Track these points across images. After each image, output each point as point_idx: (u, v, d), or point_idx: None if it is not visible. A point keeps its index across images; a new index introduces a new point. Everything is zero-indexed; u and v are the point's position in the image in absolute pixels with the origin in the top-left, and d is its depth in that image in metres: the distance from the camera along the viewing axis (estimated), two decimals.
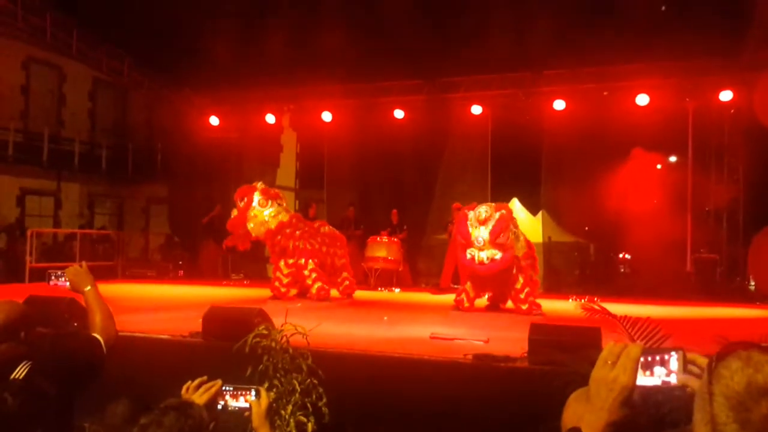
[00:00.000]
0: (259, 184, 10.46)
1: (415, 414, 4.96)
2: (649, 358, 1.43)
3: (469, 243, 8.57)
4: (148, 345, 6.26)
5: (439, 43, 12.93)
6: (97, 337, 2.87)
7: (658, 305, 9.98)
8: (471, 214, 8.70)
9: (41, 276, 12.37)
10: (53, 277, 3.31)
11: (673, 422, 1.39)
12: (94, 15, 13.95)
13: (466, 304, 9.29)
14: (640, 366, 1.40)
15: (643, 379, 1.41)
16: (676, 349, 1.43)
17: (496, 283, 9.09)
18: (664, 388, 1.40)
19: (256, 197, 10.18)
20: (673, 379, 1.40)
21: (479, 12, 12.20)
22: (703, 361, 1.36)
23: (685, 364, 1.41)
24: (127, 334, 6.31)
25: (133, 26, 13.72)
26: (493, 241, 8.44)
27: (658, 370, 1.42)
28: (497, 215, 8.59)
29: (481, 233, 8.45)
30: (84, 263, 3.14)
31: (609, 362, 1.41)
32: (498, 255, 8.45)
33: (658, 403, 1.61)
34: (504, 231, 8.53)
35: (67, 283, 3.07)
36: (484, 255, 8.44)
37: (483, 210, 8.67)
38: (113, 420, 3.16)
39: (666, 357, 1.42)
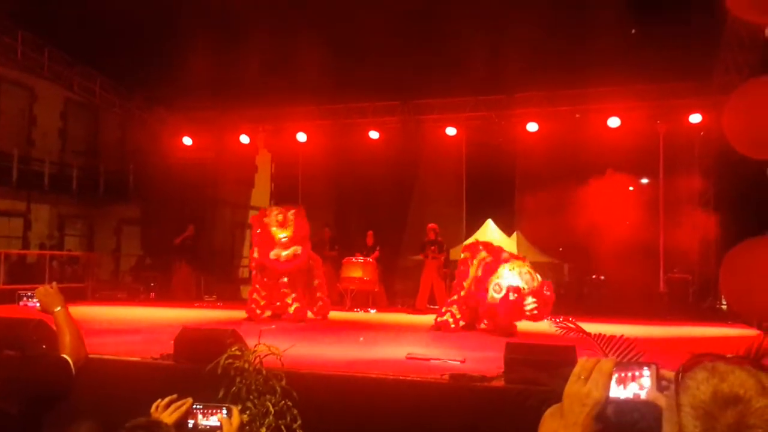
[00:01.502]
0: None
1: None
2: (623, 374, 1.42)
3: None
4: (118, 367, 6.11)
5: (414, 65, 13.03)
6: (66, 358, 2.81)
7: (632, 324, 10.04)
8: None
9: (10, 298, 12.10)
10: (24, 298, 3.24)
11: None
12: (66, 34, 13.82)
13: (452, 326, 9.40)
14: (613, 380, 1.40)
15: (616, 392, 1.40)
16: (649, 364, 1.42)
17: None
18: (638, 403, 1.39)
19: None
20: (644, 394, 1.39)
21: (454, 35, 12.32)
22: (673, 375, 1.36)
23: (659, 379, 1.40)
24: (97, 356, 6.17)
25: (105, 45, 13.60)
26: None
27: (631, 385, 1.41)
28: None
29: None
30: (54, 284, 3.09)
31: (582, 377, 1.41)
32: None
33: (632, 418, 1.60)
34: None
35: (37, 304, 3.03)
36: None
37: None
38: None
39: (638, 372, 1.41)
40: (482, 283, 9.13)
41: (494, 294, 8.76)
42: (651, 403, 1.39)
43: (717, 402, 1.21)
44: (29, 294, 3.14)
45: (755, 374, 1.23)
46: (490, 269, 9.11)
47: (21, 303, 3.22)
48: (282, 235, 10.24)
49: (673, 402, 1.27)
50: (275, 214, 10.52)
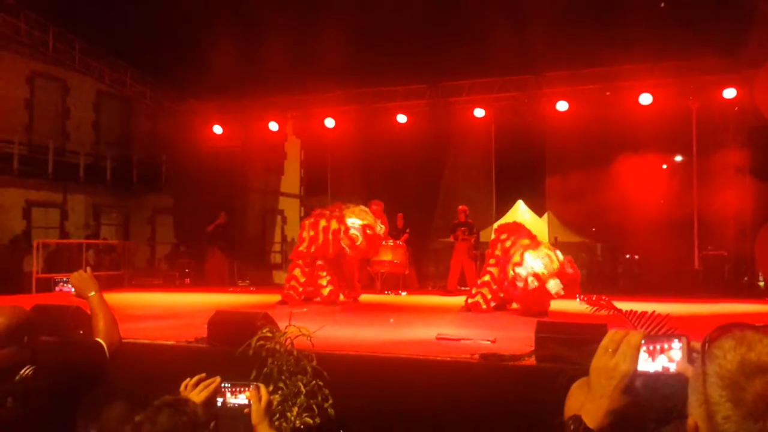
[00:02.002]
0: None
1: (422, 414, 4.93)
2: (651, 346, 1.40)
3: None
4: (154, 351, 6.24)
5: (441, 47, 12.94)
6: (101, 342, 2.88)
7: (666, 302, 9.89)
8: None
9: (48, 287, 12.46)
10: (59, 284, 3.33)
11: (680, 412, 1.36)
12: (96, 27, 14.02)
13: (483, 306, 9.40)
14: (642, 353, 1.39)
15: (645, 365, 1.38)
16: (679, 336, 1.40)
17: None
18: (668, 376, 1.37)
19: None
20: (673, 367, 1.37)
21: (480, 15, 12.20)
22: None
23: (689, 351, 1.38)
24: (133, 340, 6.31)
25: (134, 37, 13.77)
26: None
27: (660, 358, 1.39)
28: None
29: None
30: (89, 269, 3.16)
31: (610, 350, 1.40)
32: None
33: (662, 391, 1.58)
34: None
35: (72, 289, 3.09)
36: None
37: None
38: (108, 423, 3.14)
39: (667, 345, 1.39)
40: (504, 269, 9.10)
41: (516, 283, 8.72)
42: (681, 375, 1.38)
43: (744, 371, 1.18)
44: (64, 280, 3.22)
45: None
46: (508, 255, 9.07)
47: (57, 288, 3.31)
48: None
49: (699, 371, 1.25)
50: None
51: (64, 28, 14.33)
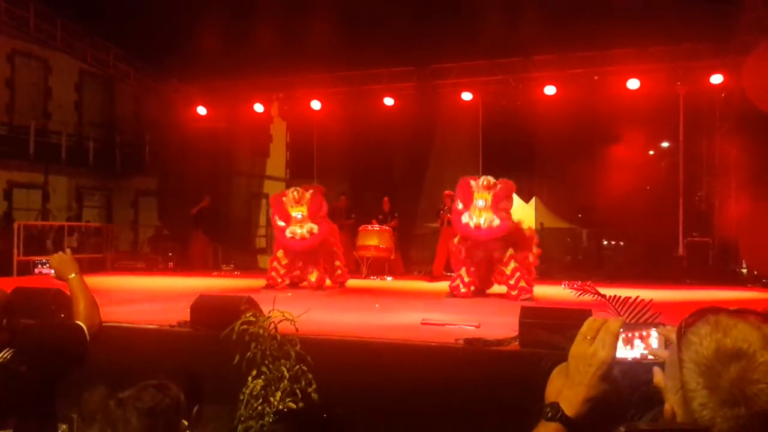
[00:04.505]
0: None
1: (407, 398, 4.91)
2: (630, 334, 1.41)
3: (468, 207, 8.67)
4: (136, 335, 6.19)
5: (429, 30, 12.84)
6: (81, 325, 2.84)
7: (651, 288, 9.95)
8: (475, 182, 8.86)
9: (29, 269, 12.32)
10: (38, 266, 3.26)
11: (660, 399, 1.35)
12: (78, 5, 13.77)
13: (463, 290, 9.32)
14: (620, 341, 1.38)
15: (623, 352, 1.37)
16: (656, 325, 1.40)
17: (491, 255, 9.08)
18: (645, 363, 1.36)
19: None
20: (651, 354, 1.36)
21: None
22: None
23: (666, 340, 1.37)
24: (115, 324, 6.25)
25: (117, 16, 13.54)
26: (496, 206, 8.58)
27: (639, 346, 1.38)
28: (500, 185, 8.93)
29: (484, 196, 8.62)
30: (69, 250, 3.11)
31: (588, 337, 1.38)
32: (496, 221, 8.59)
33: (639, 378, 1.58)
34: (507, 198, 8.77)
35: (52, 271, 3.05)
36: (483, 219, 8.54)
37: (490, 178, 8.93)
38: (89, 407, 3.11)
39: (645, 333, 1.39)
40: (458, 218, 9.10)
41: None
42: (658, 363, 1.37)
43: (720, 357, 1.17)
44: (44, 262, 3.17)
45: (759, 327, 1.20)
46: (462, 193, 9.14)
47: (36, 271, 3.26)
48: (296, 213, 10.21)
49: (675, 357, 1.25)
50: (292, 192, 10.48)
51: (46, 6, 14.06)
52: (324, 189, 11.30)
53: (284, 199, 10.45)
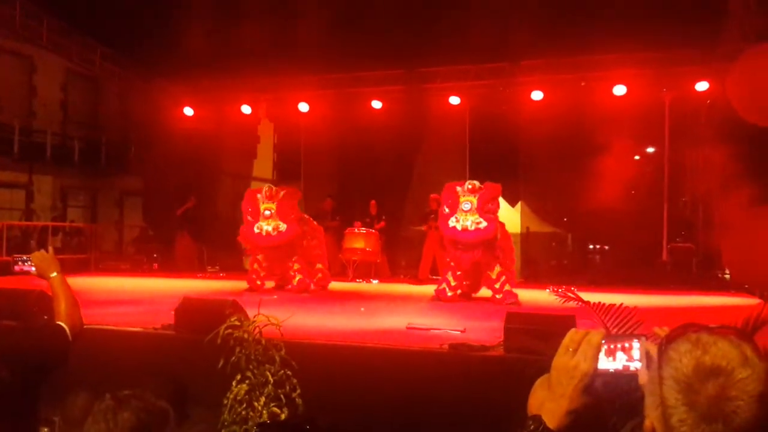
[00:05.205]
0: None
1: (391, 404, 4.91)
2: (611, 346, 1.41)
3: (454, 211, 8.73)
4: (120, 338, 6.14)
5: (417, 33, 12.86)
6: (62, 325, 2.79)
7: (635, 294, 10.03)
8: (460, 188, 8.98)
9: (9, 268, 12.18)
10: (19, 263, 3.20)
11: (641, 408, 1.36)
12: (64, 3, 13.67)
13: (449, 294, 9.35)
14: (602, 353, 1.39)
15: (605, 364, 1.38)
16: (638, 336, 1.41)
17: (477, 260, 9.10)
18: (627, 375, 1.37)
19: None
20: (633, 366, 1.38)
21: (458, 2, 12.14)
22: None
23: (648, 352, 1.39)
24: (98, 327, 6.19)
25: (104, 15, 13.46)
26: (482, 208, 8.63)
27: (621, 357, 1.40)
28: (485, 189, 9.04)
29: (470, 199, 8.69)
30: (51, 248, 3.06)
31: (570, 349, 1.40)
32: (483, 224, 8.63)
33: (625, 388, 1.58)
34: (493, 200, 8.84)
35: (33, 269, 3.00)
36: (469, 221, 8.59)
37: (475, 182, 9.07)
38: (73, 412, 3.07)
39: (628, 344, 1.40)
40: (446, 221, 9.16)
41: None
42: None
43: (699, 375, 1.20)
44: (24, 258, 3.11)
45: (738, 345, 1.22)
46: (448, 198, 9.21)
47: (16, 268, 3.20)
48: (265, 209, 10.20)
49: (655, 374, 1.27)
50: (265, 189, 10.49)
51: (32, 4, 13.95)
52: (301, 194, 11.29)
53: (258, 195, 10.47)
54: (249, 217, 10.32)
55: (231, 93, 15.55)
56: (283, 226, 10.10)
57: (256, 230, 10.14)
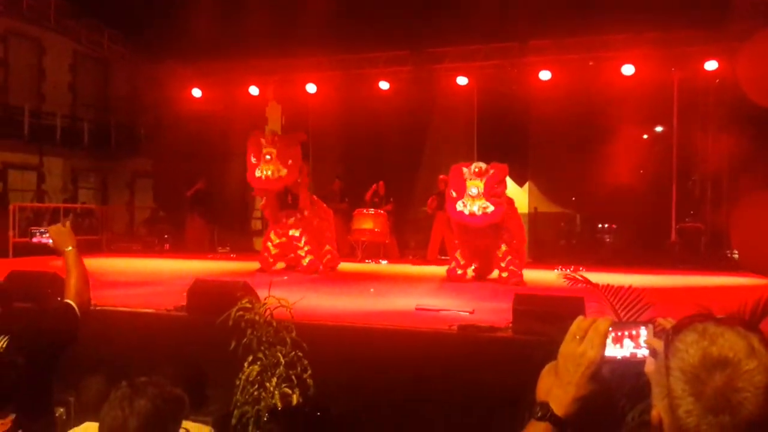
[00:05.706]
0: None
1: (400, 384, 4.98)
2: (619, 333, 1.41)
3: (461, 195, 8.74)
4: (132, 319, 6.23)
5: (425, 14, 12.77)
6: (71, 304, 2.82)
7: (643, 274, 10.05)
8: (467, 170, 8.93)
9: (24, 251, 12.31)
10: (37, 234, 3.25)
11: (650, 392, 1.38)
12: None
13: (459, 272, 9.44)
14: (609, 340, 1.40)
15: (612, 351, 1.40)
16: (646, 323, 1.42)
17: (485, 242, 9.15)
18: (635, 363, 1.39)
19: None
20: (640, 352, 1.39)
21: None
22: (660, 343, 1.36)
23: (654, 348, 1.40)
24: (111, 308, 6.29)
25: None
26: (489, 193, 8.66)
27: (628, 345, 1.41)
28: (492, 171, 8.97)
29: (476, 184, 8.68)
30: (68, 223, 3.10)
31: (577, 337, 1.41)
32: (491, 208, 8.65)
33: (629, 378, 1.61)
34: (500, 183, 8.84)
35: (50, 241, 3.04)
36: (476, 206, 8.62)
37: (481, 164, 8.97)
38: (87, 394, 3.13)
39: (635, 331, 1.41)
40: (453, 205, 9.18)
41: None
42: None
43: (705, 365, 1.19)
44: (42, 230, 3.16)
45: (745, 336, 1.21)
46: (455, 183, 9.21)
47: (35, 239, 3.24)
48: (267, 153, 10.25)
49: (662, 365, 1.27)
50: (268, 131, 10.55)
51: None
52: (305, 137, 11.40)
53: (261, 139, 10.58)
54: (253, 160, 10.46)
55: (239, 75, 15.53)
56: (283, 171, 10.23)
57: (257, 173, 10.30)
